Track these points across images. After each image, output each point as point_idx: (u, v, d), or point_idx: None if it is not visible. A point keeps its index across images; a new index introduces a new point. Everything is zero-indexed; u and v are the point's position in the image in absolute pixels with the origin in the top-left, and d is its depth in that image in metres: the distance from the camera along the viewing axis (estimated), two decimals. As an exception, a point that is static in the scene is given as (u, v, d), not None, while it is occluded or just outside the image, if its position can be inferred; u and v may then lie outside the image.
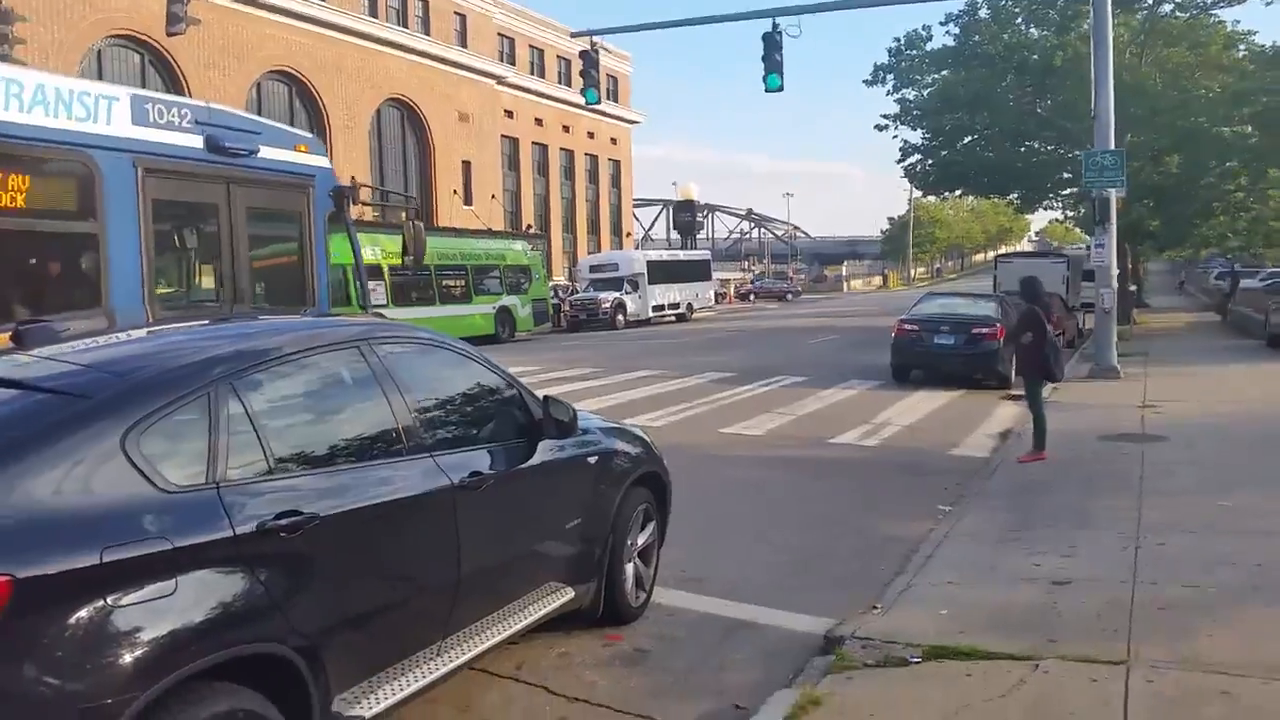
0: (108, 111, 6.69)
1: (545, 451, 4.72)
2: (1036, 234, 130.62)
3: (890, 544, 7.28)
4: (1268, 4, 27.81)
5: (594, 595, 5.12)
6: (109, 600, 2.71)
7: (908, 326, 17.11)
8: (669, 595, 5.95)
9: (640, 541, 5.58)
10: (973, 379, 16.51)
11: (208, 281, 7.98)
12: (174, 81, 34.93)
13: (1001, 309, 17.42)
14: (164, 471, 3.01)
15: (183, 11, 14.01)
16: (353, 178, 10.47)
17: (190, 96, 35.22)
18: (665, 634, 5.39)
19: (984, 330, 16.34)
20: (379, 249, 22.80)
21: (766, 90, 18.39)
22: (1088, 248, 48.03)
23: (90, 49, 32.66)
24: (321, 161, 8.55)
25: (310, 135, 8.76)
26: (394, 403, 3.93)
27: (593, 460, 5.13)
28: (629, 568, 5.41)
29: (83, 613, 2.66)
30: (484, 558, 4.20)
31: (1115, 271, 17.60)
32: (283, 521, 3.21)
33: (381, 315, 8.38)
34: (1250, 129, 26.69)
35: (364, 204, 8.88)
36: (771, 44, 18.23)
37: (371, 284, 21.17)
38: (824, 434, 11.99)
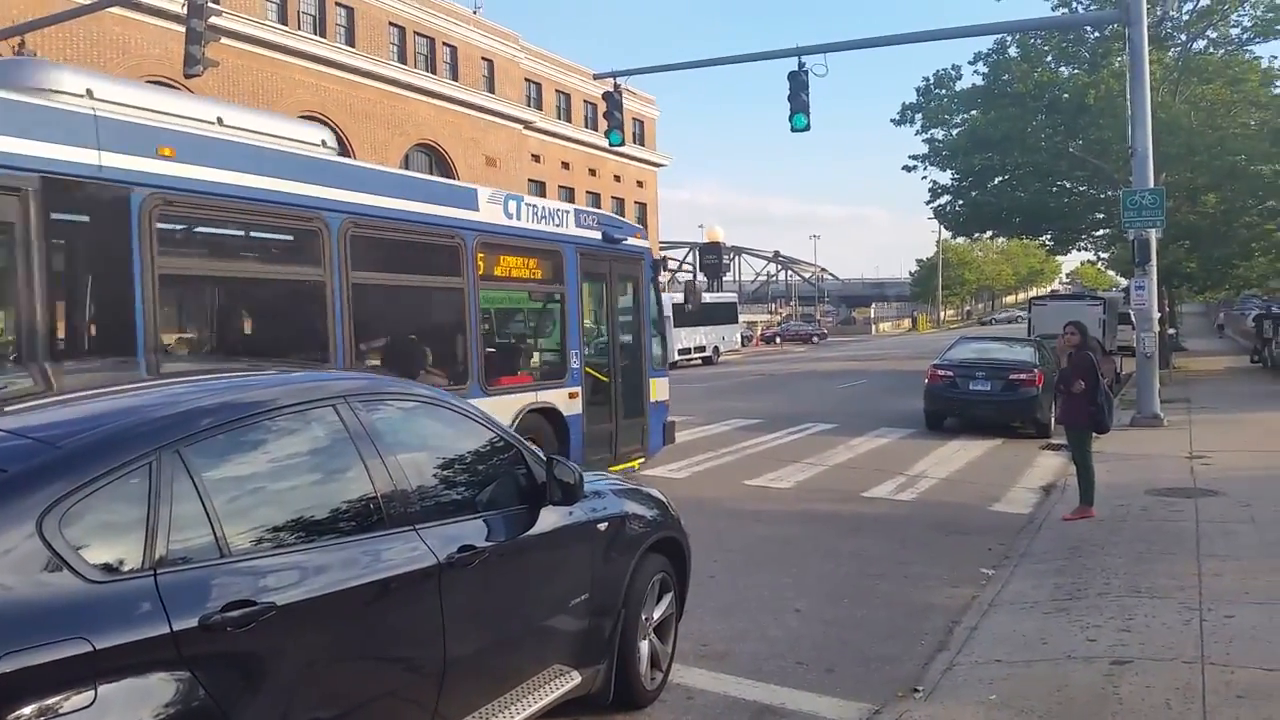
0: (565, 218, 10.81)
1: (548, 519, 4.25)
2: (1068, 276, 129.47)
3: (930, 613, 6.74)
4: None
5: (604, 678, 4.62)
6: (7, 718, 2.27)
7: (942, 372, 16.54)
8: (688, 673, 5.44)
9: (656, 615, 5.07)
10: (1010, 427, 15.91)
11: (603, 332, 11.77)
12: (203, 127, 35.16)
13: (1039, 353, 16.85)
14: (90, 557, 2.58)
15: (200, 53, 13.87)
16: (664, 256, 16.18)
17: (218, 141, 35.49)
18: (683, 721, 4.88)
19: (1022, 376, 15.76)
20: None
21: (793, 130, 17.99)
22: (1124, 290, 47.33)
23: (121, 95, 32.94)
24: (646, 243, 12.66)
25: (639, 226, 13.19)
26: (373, 469, 3.49)
27: (602, 526, 4.65)
28: (643, 646, 4.90)
29: (-28, 736, 2.22)
30: (475, 643, 3.73)
31: (1156, 315, 16.99)
32: (232, 614, 2.76)
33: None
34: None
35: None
36: (797, 83, 17.87)
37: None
38: (856, 487, 11.43)
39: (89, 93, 6.60)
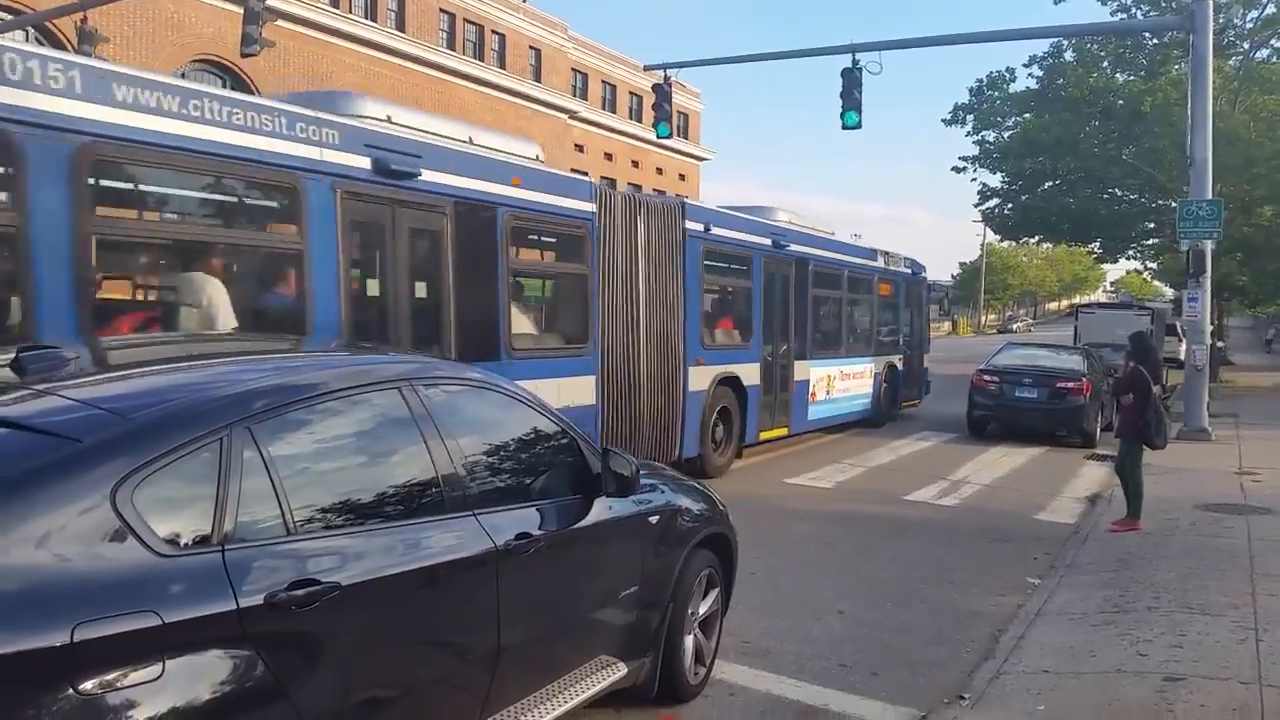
0: (900, 262, 18.68)
1: (601, 510, 4.23)
2: (1112, 284, 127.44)
3: (975, 620, 6.66)
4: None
5: (649, 672, 4.59)
6: (79, 688, 2.27)
7: (987, 378, 16.37)
8: (730, 670, 5.40)
9: (702, 611, 5.04)
10: (1055, 435, 15.70)
11: (909, 324, 19.41)
12: (253, 107, 35.41)
13: (1087, 361, 16.61)
14: (160, 531, 2.58)
15: (258, 33, 13.97)
16: (933, 282, 22.45)
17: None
18: (726, 718, 4.84)
19: (1069, 384, 15.54)
20: None
21: (844, 127, 17.81)
22: (1172, 301, 46.19)
23: (174, 73, 33.35)
24: (925, 271, 20.30)
25: (912, 259, 19.60)
26: (435, 453, 3.48)
27: (654, 520, 4.62)
28: (688, 641, 4.88)
29: (45, 703, 2.23)
30: (527, 632, 3.72)
31: (1209, 328, 16.67)
32: (297, 592, 2.76)
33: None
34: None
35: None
36: (851, 80, 17.68)
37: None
38: (898, 490, 11.33)
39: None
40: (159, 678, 2.42)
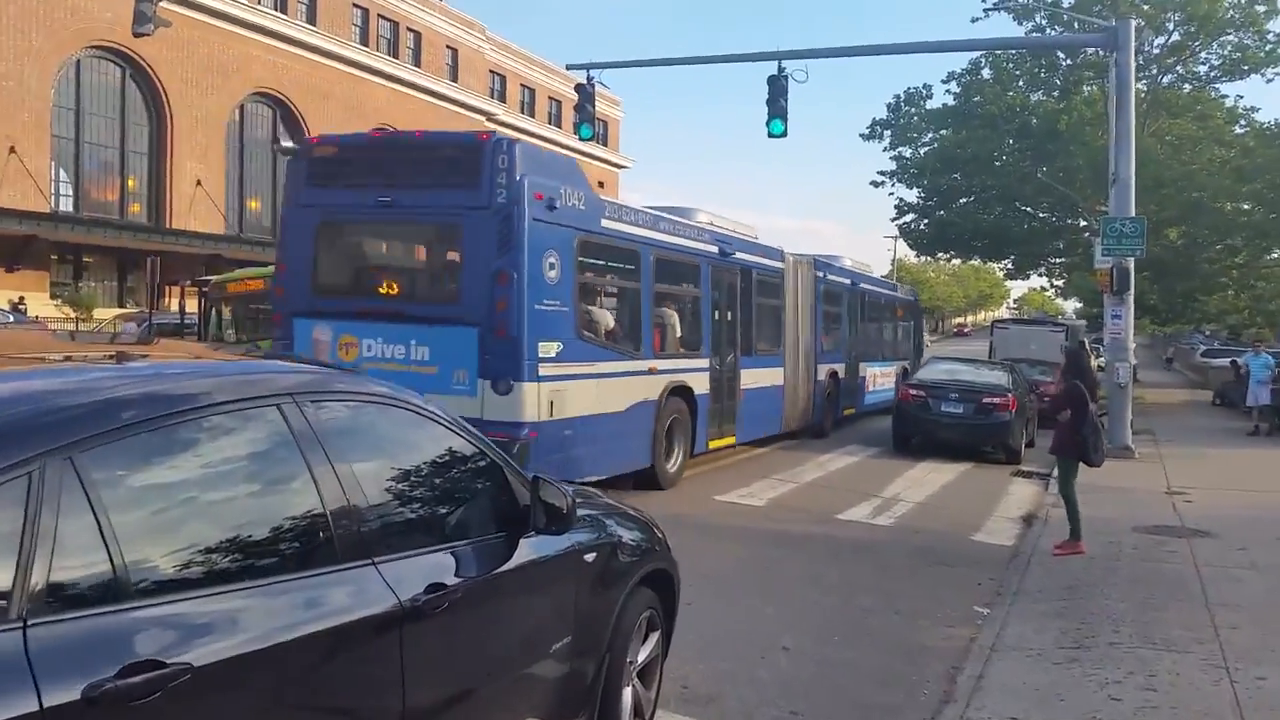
0: (902, 290, 26.71)
1: (529, 549, 3.56)
2: (1015, 301, 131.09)
3: (926, 655, 6.17)
4: (1269, 81, 27.60)
5: (583, 735, 3.94)
6: None
7: (914, 392, 16.11)
8: (672, 723, 4.78)
9: (641, 658, 4.38)
10: (980, 451, 15.50)
11: (908, 334, 25.31)
12: (154, 96, 33.82)
13: (1011, 377, 16.49)
14: (-70, 603, 1.85)
15: (151, 10, 12.89)
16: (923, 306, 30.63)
17: (170, 112, 34.09)
18: (670, 785, 4.22)
19: (995, 399, 15.35)
20: None
21: (770, 136, 17.36)
22: (1083, 317, 47.04)
23: (69, 58, 31.60)
24: (914, 294, 27.31)
25: (911, 287, 29.87)
26: (324, 487, 2.75)
27: (590, 558, 3.96)
28: (627, 694, 4.21)
29: None
30: (438, 704, 3.03)
31: (1132, 345, 16.71)
32: (132, 680, 2.03)
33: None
34: (1251, 206, 26.33)
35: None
36: (777, 88, 17.25)
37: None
38: (831, 508, 10.86)
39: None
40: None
